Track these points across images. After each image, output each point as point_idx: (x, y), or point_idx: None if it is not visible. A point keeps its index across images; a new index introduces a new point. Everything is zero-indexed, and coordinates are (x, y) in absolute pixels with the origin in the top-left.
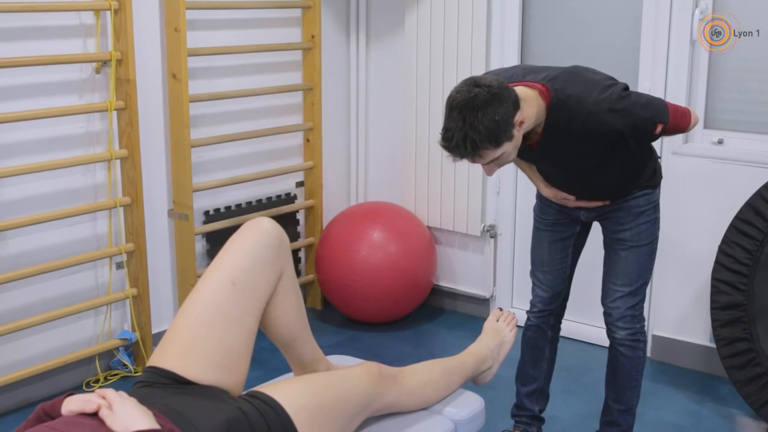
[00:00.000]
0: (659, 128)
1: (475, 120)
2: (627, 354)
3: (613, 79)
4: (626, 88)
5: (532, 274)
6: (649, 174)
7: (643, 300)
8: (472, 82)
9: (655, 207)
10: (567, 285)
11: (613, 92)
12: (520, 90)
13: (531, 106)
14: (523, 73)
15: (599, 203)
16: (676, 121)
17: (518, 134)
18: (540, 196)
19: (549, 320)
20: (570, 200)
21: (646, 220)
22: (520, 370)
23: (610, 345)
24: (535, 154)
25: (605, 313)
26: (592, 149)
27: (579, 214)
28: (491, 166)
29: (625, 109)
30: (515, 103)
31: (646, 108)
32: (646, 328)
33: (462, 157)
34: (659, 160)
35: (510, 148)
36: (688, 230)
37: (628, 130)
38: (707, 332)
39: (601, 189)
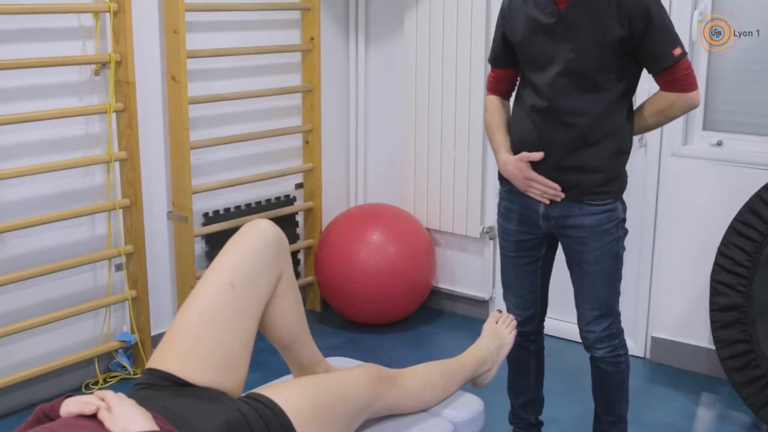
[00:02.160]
0: (678, 50)
1: None
2: (608, 369)
3: None
4: None
5: (505, 297)
6: (618, 167)
7: (617, 317)
8: None
9: (618, 224)
10: (539, 306)
11: None
12: None
13: None
14: None
15: (553, 187)
16: (688, 70)
17: None
18: (499, 213)
19: (529, 337)
20: (528, 169)
21: (609, 239)
22: (510, 383)
23: (592, 362)
24: (557, 18)
25: (582, 337)
26: (613, 30)
27: (537, 218)
28: None
29: (661, 5)
30: None
31: (674, 29)
32: (640, 331)
33: None
34: (627, 173)
35: None
36: (686, 232)
37: (656, 20)
38: (707, 334)
39: (573, 131)
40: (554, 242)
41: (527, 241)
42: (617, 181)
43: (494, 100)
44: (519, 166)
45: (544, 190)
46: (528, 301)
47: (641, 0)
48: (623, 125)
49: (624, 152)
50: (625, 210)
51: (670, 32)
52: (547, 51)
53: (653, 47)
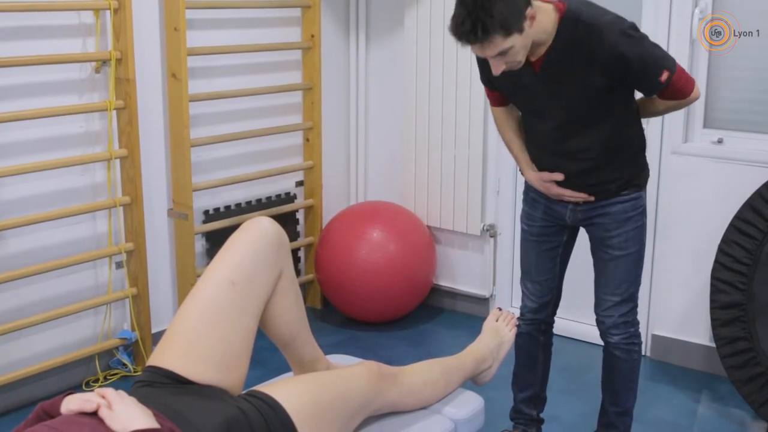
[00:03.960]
0: (665, 75)
1: (487, 3)
2: (622, 357)
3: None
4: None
5: (522, 283)
6: (637, 167)
7: (635, 306)
8: None
9: (642, 212)
10: (555, 294)
11: (626, 22)
12: (535, 1)
13: (544, 14)
14: None
15: (583, 196)
16: (681, 82)
17: (529, 31)
18: (525, 200)
19: (540, 327)
20: (553, 187)
21: (633, 226)
22: (516, 376)
23: (605, 349)
24: (535, 81)
25: (598, 322)
26: (593, 82)
27: (564, 213)
28: (498, 62)
29: (637, 38)
30: None
31: (657, 48)
32: (640, 329)
33: (471, 43)
34: (647, 163)
35: (519, 44)
36: (687, 229)
37: (635, 62)
38: (707, 331)
39: (586, 163)
40: (575, 231)
41: (550, 226)
42: (640, 176)
43: (500, 111)
44: (544, 185)
45: (575, 199)
46: (545, 288)
47: (613, 48)
48: (633, 133)
49: (639, 151)
50: (645, 198)
51: (654, 60)
52: (535, 105)
53: (640, 82)
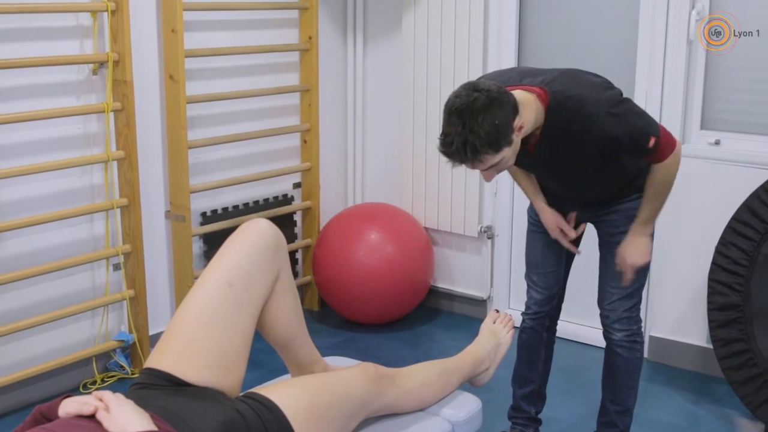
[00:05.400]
0: (652, 141)
1: (474, 124)
2: (624, 355)
3: (609, 83)
4: (622, 94)
5: (527, 276)
6: (646, 177)
7: (639, 302)
8: (471, 87)
9: None
10: (561, 287)
11: (612, 94)
12: (518, 94)
13: (529, 110)
14: (520, 77)
15: (580, 230)
16: (665, 140)
17: (517, 139)
18: None
19: (544, 322)
20: (568, 235)
21: None
22: (516, 372)
23: (607, 346)
24: (533, 158)
25: (602, 316)
26: (589, 156)
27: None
28: (490, 172)
29: (622, 115)
30: (514, 108)
31: (641, 117)
32: (643, 329)
33: (461, 162)
34: None
35: (509, 153)
36: (684, 231)
37: (624, 138)
38: (704, 333)
39: (596, 196)
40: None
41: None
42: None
43: None
44: (554, 233)
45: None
46: (551, 280)
47: (602, 132)
48: (639, 163)
49: (647, 167)
50: None
51: (641, 132)
52: (540, 170)
53: (631, 152)
